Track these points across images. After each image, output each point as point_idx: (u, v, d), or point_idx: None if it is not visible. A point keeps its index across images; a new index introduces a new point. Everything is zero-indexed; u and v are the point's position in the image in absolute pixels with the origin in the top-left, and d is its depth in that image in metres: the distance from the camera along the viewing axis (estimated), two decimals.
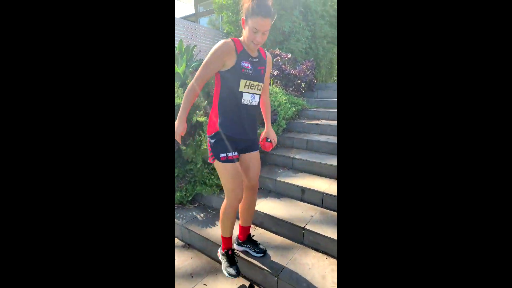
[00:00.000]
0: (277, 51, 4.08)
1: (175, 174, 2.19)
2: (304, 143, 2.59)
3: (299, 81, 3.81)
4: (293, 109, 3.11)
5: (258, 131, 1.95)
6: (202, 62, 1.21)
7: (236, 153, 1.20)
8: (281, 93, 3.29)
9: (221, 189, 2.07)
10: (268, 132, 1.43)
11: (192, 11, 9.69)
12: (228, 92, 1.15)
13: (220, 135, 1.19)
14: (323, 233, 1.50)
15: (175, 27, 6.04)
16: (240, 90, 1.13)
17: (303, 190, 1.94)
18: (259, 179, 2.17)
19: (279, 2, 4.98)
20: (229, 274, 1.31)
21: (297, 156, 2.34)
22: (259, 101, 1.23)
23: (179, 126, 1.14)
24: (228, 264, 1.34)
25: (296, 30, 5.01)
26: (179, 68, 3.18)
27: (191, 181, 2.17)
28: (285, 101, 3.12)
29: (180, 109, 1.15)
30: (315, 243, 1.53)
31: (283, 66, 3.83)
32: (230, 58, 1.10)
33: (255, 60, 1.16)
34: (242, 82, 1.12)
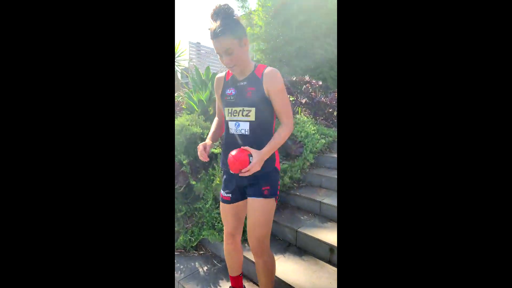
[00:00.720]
0: (307, 78, 3.86)
1: (183, 212, 1.94)
2: (335, 183, 2.18)
3: (330, 110, 3.47)
4: (323, 141, 2.74)
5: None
6: None
7: (229, 194, 1.12)
8: (310, 123, 2.97)
9: None
10: (252, 150, 0.97)
11: None
12: (225, 123, 1.13)
13: None
14: None
15: (210, 57, 6.31)
16: (226, 119, 1.09)
17: (332, 249, 1.52)
18: (277, 227, 1.80)
19: (312, 30, 4.89)
20: None
21: (326, 200, 1.93)
22: (250, 129, 1.02)
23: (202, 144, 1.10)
24: None
25: (330, 57, 4.80)
26: (203, 95, 3.09)
27: (199, 222, 1.89)
28: (313, 132, 2.78)
29: None
30: None
31: (312, 93, 3.55)
32: (220, 90, 1.12)
33: (242, 83, 1.05)
34: (226, 110, 1.08)
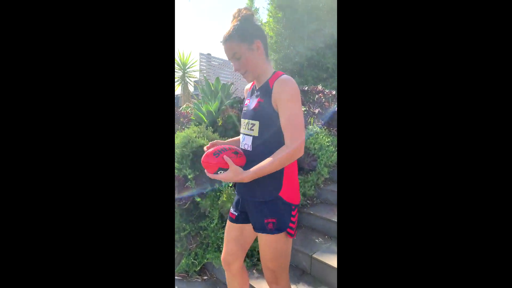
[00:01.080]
0: (319, 87, 3.72)
1: (186, 231, 1.80)
2: None
3: None
4: None
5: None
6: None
7: (236, 212, 1.00)
8: (323, 134, 2.80)
9: None
10: (230, 167, 0.82)
11: None
12: None
13: None
14: None
15: (223, 68, 6.34)
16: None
17: None
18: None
19: (323, 39, 4.79)
20: None
21: None
22: (253, 146, 0.90)
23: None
24: None
25: None
26: (212, 106, 3.02)
27: (203, 243, 1.74)
28: (328, 144, 2.61)
29: None
30: None
31: (326, 103, 3.40)
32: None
33: (257, 93, 0.94)
34: (241, 122, 1.00)
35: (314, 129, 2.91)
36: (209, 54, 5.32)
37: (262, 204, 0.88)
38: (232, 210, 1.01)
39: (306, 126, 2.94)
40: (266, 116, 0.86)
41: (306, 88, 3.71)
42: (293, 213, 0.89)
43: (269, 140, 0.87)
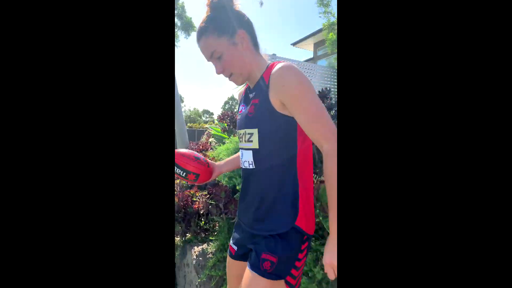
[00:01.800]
0: None
1: (220, 244, 1.60)
2: None
3: None
4: None
5: None
6: None
7: (235, 246, 0.83)
8: None
9: None
10: (326, 253, 0.61)
11: (311, 56, 10.30)
12: None
13: None
14: None
15: None
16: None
17: None
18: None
19: None
20: None
21: None
22: (256, 162, 0.70)
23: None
24: None
25: None
26: None
27: None
28: None
29: None
30: None
31: None
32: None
33: (251, 95, 0.75)
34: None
35: None
36: (274, 55, 5.21)
37: (270, 237, 0.68)
38: (231, 242, 0.86)
39: None
40: (266, 121, 0.67)
41: None
42: (300, 256, 0.68)
43: (276, 151, 0.67)
